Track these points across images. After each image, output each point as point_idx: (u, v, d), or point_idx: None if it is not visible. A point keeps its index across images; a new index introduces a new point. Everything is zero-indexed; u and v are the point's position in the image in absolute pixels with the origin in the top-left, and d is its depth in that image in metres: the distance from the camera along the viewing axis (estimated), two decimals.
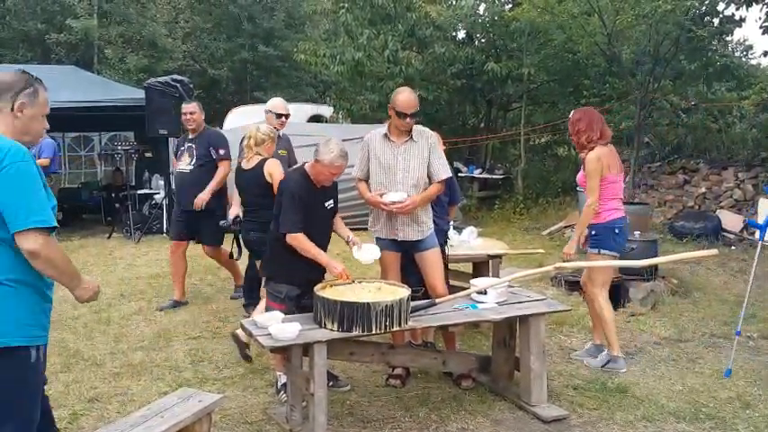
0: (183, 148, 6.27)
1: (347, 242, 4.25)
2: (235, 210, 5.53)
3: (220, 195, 6.13)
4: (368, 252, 4.16)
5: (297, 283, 4.06)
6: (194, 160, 6.11)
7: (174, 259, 6.34)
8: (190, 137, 6.26)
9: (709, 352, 5.08)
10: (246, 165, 4.93)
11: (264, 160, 4.86)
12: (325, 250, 4.09)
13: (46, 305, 2.56)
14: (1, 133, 2.44)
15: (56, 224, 2.43)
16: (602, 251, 4.67)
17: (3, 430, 2.42)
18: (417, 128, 4.33)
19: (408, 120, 4.19)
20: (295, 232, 3.96)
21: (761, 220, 4.76)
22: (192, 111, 6.20)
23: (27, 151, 2.41)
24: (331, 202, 4.17)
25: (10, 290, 2.40)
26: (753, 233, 5.15)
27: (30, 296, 2.46)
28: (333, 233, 4.31)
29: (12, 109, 2.48)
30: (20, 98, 2.49)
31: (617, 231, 4.68)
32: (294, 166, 4.85)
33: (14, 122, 2.48)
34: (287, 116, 5.90)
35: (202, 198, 5.96)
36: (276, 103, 5.92)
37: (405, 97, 4.20)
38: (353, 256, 4.21)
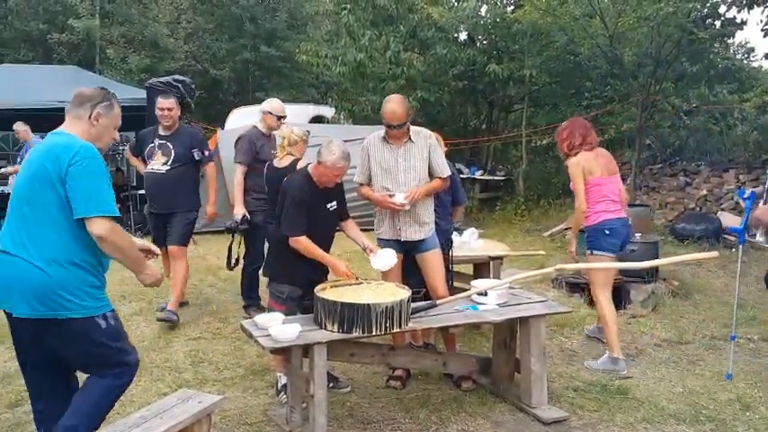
0: (153, 146, 5.69)
1: (363, 249, 4.25)
2: (240, 210, 5.53)
3: (196, 195, 5.83)
4: (383, 258, 4.16)
5: (299, 284, 4.07)
6: (171, 160, 5.62)
7: (167, 264, 5.92)
8: (162, 133, 5.72)
9: (709, 354, 5.08)
10: (279, 163, 4.94)
11: (297, 160, 4.90)
12: (327, 251, 4.10)
13: (100, 282, 2.91)
14: (76, 136, 2.84)
15: (119, 215, 2.84)
16: (595, 252, 4.80)
17: (104, 381, 2.89)
18: (415, 128, 4.34)
19: (395, 131, 4.19)
20: (298, 236, 3.97)
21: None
22: (169, 106, 5.66)
23: (96, 150, 2.81)
24: (334, 203, 4.17)
25: (64, 270, 2.75)
26: (753, 235, 5.14)
27: (84, 276, 2.80)
28: (350, 240, 4.33)
29: (89, 117, 2.89)
30: (97, 109, 2.90)
31: (607, 232, 4.77)
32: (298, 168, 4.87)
33: (90, 129, 2.89)
34: (284, 118, 5.91)
35: (213, 212, 5.96)
36: (276, 105, 5.93)
37: (389, 108, 4.19)
38: (370, 264, 4.22)
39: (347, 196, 4.38)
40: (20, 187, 2.86)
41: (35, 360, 2.95)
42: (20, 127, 9.46)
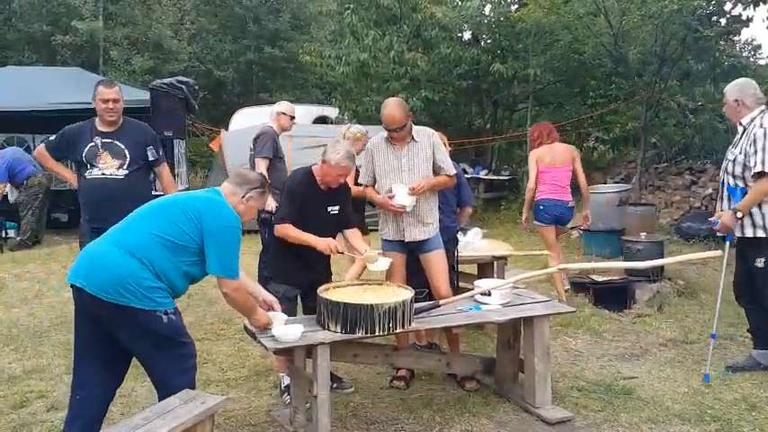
0: (94, 145, 4.63)
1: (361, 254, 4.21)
2: (272, 201, 5.31)
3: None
4: (379, 263, 4.14)
5: (295, 284, 4.10)
6: (128, 162, 4.67)
7: None
8: (104, 129, 4.69)
9: (714, 353, 5.04)
10: None
11: None
12: (328, 259, 4.10)
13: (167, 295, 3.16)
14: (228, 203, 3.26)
15: (238, 276, 3.26)
16: (535, 222, 6.48)
17: (173, 367, 3.18)
18: (417, 128, 4.34)
19: (395, 134, 4.20)
20: (282, 223, 4.02)
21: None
22: (115, 97, 4.66)
23: (240, 220, 3.24)
24: (336, 208, 4.16)
25: (146, 269, 3.05)
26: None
27: (154, 283, 3.07)
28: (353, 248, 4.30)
29: (242, 197, 3.31)
30: (251, 193, 3.33)
31: (541, 208, 6.38)
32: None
33: (238, 206, 3.28)
34: (294, 119, 5.93)
35: None
36: (288, 105, 5.95)
37: (387, 113, 4.18)
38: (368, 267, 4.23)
39: None
40: (160, 203, 3.33)
41: (95, 347, 3.17)
42: None
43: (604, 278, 6.42)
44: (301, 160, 5.83)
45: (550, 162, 6.32)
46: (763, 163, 4.18)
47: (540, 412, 3.94)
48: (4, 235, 9.77)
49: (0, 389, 4.33)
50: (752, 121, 4.42)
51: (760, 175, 4.21)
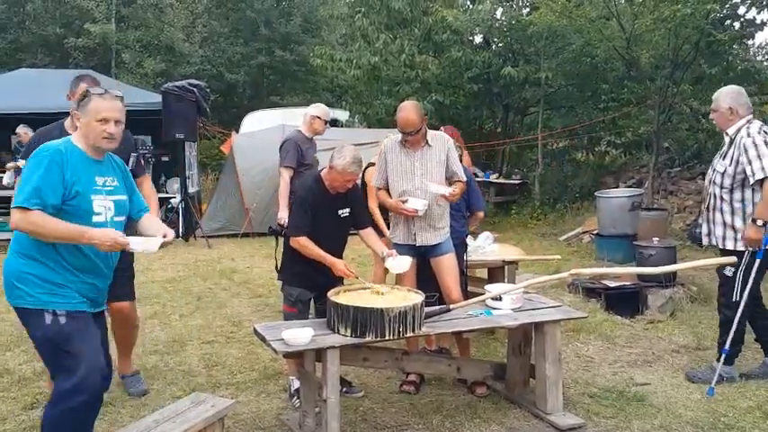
0: None
1: (382, 255, 4.21)
2: (284, 214, 5.31)
3: None
4: (399, 262, 4.12)
5: (308, 287, 4.11)
6: None
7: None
8: None
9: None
10: None
11: None
12: (339, 257, 4.10)
13: (63, 279, 2.89)
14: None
15: (26, 204, 2.74)
16: None
17: (55, 387, 2.92)
18: (433, 132, 4.33)
19: (410, 137, 4.18)
20: (297, 235, 4.01)
21: None
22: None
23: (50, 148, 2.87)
24: (346, 210, 4.15)
25: (21, 262, 2.89)
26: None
27: (39, 269, 2.86)
28: (370, 248, 4.33)
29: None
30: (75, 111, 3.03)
31: None
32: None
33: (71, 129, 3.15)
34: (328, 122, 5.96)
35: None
36: (325, 109, 5.96)
37: (403, 116, 4.17)
38: (388, 266, 4.22)
39: None
40: None
41: None
42: (21, 130, 9.93)
43: (616, 283, 6.38)
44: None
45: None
46: (763, 169, 4.16)
47: (551, 419, 3.91)
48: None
49: (11, 390, 4.35)
50: (738, 131, 4.38)
51: (763, 180, 4.18)
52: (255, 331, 3.73)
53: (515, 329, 4.13)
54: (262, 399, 4.26)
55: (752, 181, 4.23)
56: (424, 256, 4.36)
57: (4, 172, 9.75)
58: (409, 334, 3.59)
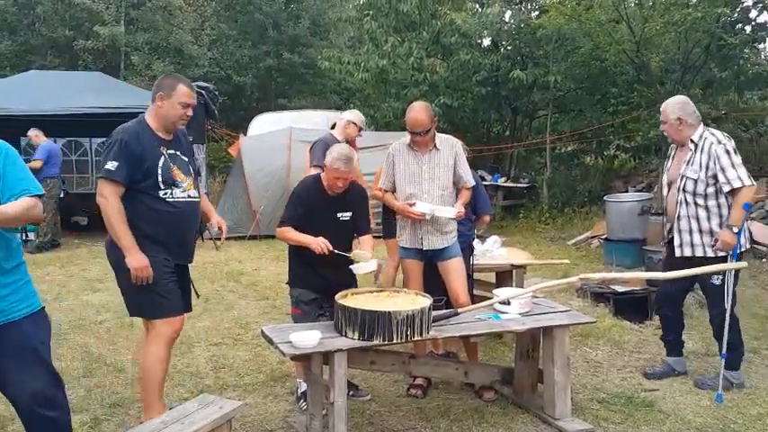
0: (165, 160, 3.57)
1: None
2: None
3: None
4: (362, 265, 4.02)
5: (311, 288, 4.12)
6: (194, 179, 3.74)
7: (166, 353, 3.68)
8: (166, 138, 3.64)
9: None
10: None
11: None
12: (345, 264, 4.04)
13: None
14: None
15: None
16: None
17: None
18: (441, 136, 4.32)
19: (419, 137, 4.17)
20: (281, 226, 4.07)
21: None
22: (194, 103, 3.73)
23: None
24: (347, 214, 4.14)
25: None
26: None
27: None
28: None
29: None
30: None
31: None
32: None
33: None
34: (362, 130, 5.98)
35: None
36: (360, 115, 5.98)
37: (412, 116, 4.17)
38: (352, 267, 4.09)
39: None
40: None
41: None
42: (32, 132, 10.10)
43: (625, 288, 6.34)
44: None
45: None
46: (740, 178, 4.21)
47: (559, 424, 3.88)
48: (24, 237, 9.87)
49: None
50: (701, 137, 4.41)
51: (738, 189, 4.22)
52: (263, 333, 3.73)
53: (523, 334, 4.11)
54: (269, 401, 4.25)
55: (726, 189, 4.26)
56: (431, 260, 4.35)
57: None
58: (417, 337, 3.57)
